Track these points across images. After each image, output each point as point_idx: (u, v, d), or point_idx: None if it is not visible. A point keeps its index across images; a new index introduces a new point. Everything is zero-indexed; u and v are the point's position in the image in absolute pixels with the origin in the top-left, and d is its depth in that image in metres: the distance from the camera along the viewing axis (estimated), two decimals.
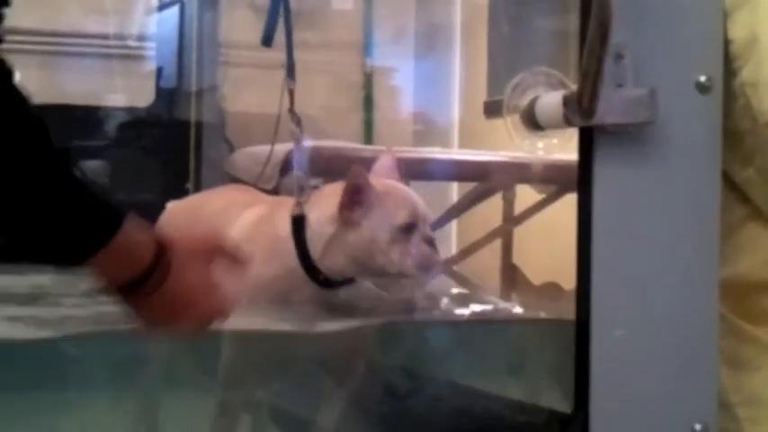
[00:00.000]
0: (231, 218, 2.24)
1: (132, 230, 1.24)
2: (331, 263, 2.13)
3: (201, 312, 1.34)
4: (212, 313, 1.36)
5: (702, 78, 1.73)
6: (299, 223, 2.15)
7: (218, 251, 1.38)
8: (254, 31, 3.77)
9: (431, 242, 2.14)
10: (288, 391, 2.30)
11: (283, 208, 2.20)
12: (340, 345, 2.20)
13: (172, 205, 2.52)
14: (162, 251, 1.27)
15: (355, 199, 2.11)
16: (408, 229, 2.13)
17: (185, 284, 1.30)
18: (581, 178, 1.73)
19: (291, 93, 2.50)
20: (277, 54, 3.65)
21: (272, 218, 2.20)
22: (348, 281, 2.19)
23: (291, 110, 2.45)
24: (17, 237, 1.17)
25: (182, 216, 2.44)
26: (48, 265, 1.21)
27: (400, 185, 2.30)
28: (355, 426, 2.18)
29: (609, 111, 1.66)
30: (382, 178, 2.27)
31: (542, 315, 2.33)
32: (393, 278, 2.17)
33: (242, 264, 1.50)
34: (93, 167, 3.57)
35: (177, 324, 1.33)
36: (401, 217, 2.13)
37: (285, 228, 2.15)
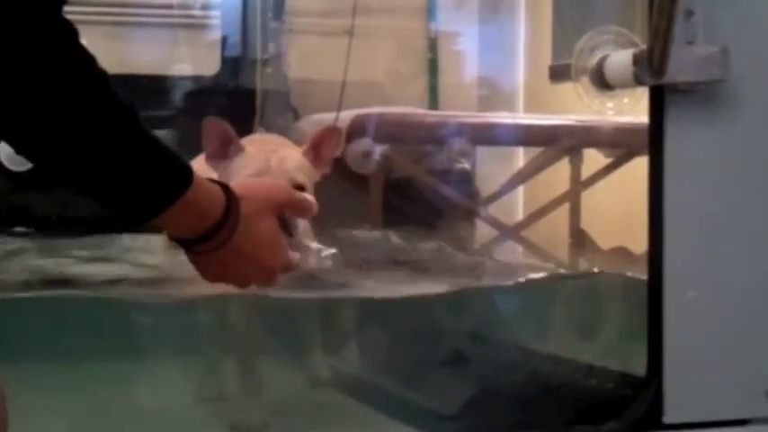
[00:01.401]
0: None
1: (203, 183, 1.24)
2: None
3: (268, 267, 1.34)
4: (277, 268, 1.35)
5: None
6: None
7: (285, 204, 1.38)
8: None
9: None
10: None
11: None
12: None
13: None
14: (231, 205, 1.27)
15: (221, 152, 2.22)
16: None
17: (253, 239, 1.30)
18: (652, 138, 1.72)
19: None
20: (341, 21, 3.65)
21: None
22: None
23: None
24: (94, 191, 1.17)
25: None
26: (125, 220, 1.20)
27: (272, 142, 2.45)
28: (425, 391, 2.18)
29: (680, 69, 1.64)
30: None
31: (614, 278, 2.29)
32: None
33: (308, 215, 1.53)
34: (160, 137, 3.58)
35: (243, 279, 1.34)
36: (241, 174, 2.17)
37: None
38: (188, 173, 1.20)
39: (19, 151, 1.12)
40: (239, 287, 1.35)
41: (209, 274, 1.32)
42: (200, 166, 2.40)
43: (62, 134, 1.10)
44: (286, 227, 2.03)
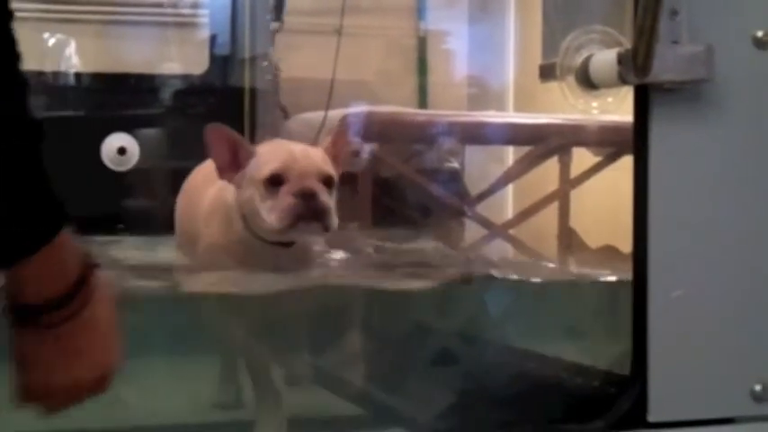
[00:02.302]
0: (205, 190, 2.27)
1: (69, 237, 1.08)
2: (252, 226, 2.11)
3: (100, 363, 1.14)
4: (108, 368, 1.16)
5: (760, 33, 1.71)
6: None
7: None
8: None
9: (305, 195, 2.04)
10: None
11: None
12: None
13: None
14: (86, 277, 1.11)
15: (233, 162, 2.10)
16: (275, 182, 2.06)
17: (95, 326, 1.12)
18: (637, 137, 1.72)
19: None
20: (330, 20, 3.65)
21: (224, 191, 2.19)
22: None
23: None
24: None
25: (186, 181, 2.47)
26: None
27: (287, 142, 2.30)
28: (413, 390, 2.18)
29: (664, 68, 1.65)
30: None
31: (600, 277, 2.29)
32: (277, 235, 2.09)
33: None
34: (148, 135, 3.59)
35: (71, 372, 1.11)
36: (266, 171, 2.06)
37: (232, 197, 2.15)
38: (60, 221, 1.08)
39: None
40: (70, 387, 1.13)
41: (40, 360, 1.09)
42: (210, 171, 2.28)
43: None
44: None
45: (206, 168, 2.33)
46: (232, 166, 2.11)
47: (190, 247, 2.31)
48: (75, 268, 1.10)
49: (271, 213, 2.05)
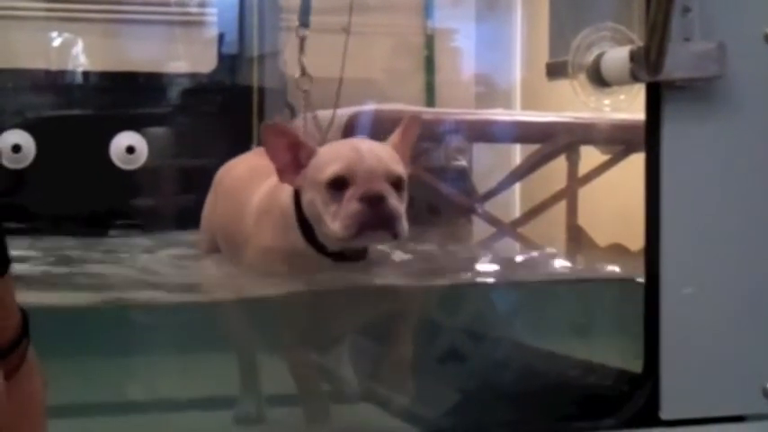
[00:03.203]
0: (253, 187, 2.13)
1: (12, 289, 1.03)
2: (317, 233, 1.94)
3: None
4: None
5: None
6: (298, 194, 1.97)
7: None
8: None
9: (373, 199, 1.84)
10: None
11: None
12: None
13: (220, 170, 2.43)
14: (23, 339, 1.05)
15: (294, 162, 1.93)
16: (338, 185, 1.87)
17: (30, 397, 1.07)
18: (649, 134, 1.72)
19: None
20: (337, 18, 3.65)
21: (279, 191, 2.02)
22: (358, 252, 1.99)
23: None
24: None
25: (220, 178, 2.37)
26: None
27: (352, 139, 2.10)
28: (422, 387, 2.17)
29: (677, 65, 1.64)
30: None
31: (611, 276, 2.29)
32: (342, 244, 1.91)
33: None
34: (156, 134, 3.59)
35: None
36: (328, 173, 1.87)
37: (288, 199, 1.98)
38: (4, 263, 1.01)
39: None
40: None
41: None
42: (255, 161, 2.17)
43: None
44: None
45: (251, 162, 2.22)
46: (292, 168, 1.93)
47: (230, 248, 2.18)
48: (11, 327, 1.04)
49: (334, 220, 1.86)
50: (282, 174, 1.95)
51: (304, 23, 3.02)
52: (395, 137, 2.00)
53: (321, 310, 2.05)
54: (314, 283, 1.99)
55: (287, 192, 1.98)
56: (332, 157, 1.91)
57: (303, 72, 2.90)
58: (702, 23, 1.67)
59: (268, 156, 1.95)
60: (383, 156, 1.91)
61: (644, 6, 1.66)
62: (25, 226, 3.26)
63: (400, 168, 1.92)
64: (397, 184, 1.89)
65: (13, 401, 1.01)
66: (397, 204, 1.87)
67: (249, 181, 2.16)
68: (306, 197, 1.92)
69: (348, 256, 1.97)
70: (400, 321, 2.03)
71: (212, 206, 2.34)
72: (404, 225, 1.87)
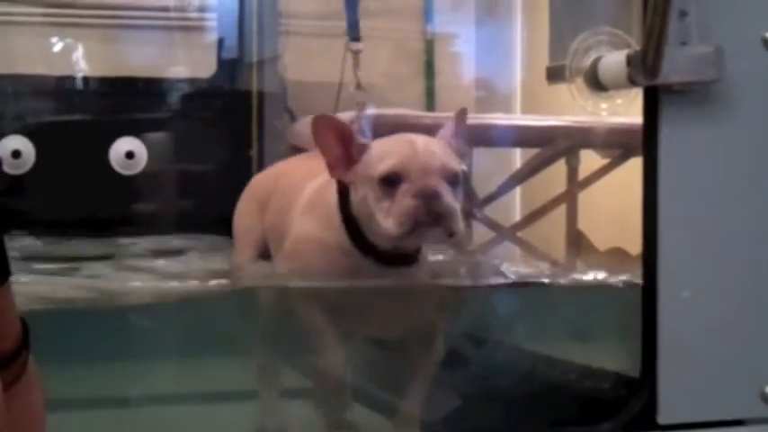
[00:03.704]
0: (302, 189, 2.08)
1: (12, 299, 1.03)
2: (366, 232, 1.87)
3: None
4: None
5: None
6: (343, 193, 1.91)
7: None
8: (314, 0, 3.77)
9: (427, 196, 1.78)
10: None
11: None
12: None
13: (255, 178, 2.41)
14: (23, 349, 1.06)
15: (346, 156, 1.86)
16: (392, 181, 1.80)
17: (25, 405, 1.07)
18: (646, 138, 1.72)
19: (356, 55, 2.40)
20: (337, 23, 3.65)
21: (326, 188, 1.97)
22: (406, 257, 1.92)
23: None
24: None
25: (262, 187, 2.32)
26: None
27: (407, 134, 1.98)
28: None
29: (674, 69, 1.64)
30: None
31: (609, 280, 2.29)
32: (394, 242, 1.83)
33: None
34: (156, 139, 3.59)
35: None
36: (381, 169, 1.81)
37: (334, 197, 1.93)
38: (4, 272, 1.02)
39: None
40: None
41: None
42: (299, 166, 2.13)
43: None
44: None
45: (306, 164, 2.16)
46: (344, 162, 1.86)
47: (276, 248, 2.12)
48: (11, 336, 1.05)
49: (387, 217, 1.79)
50: (333, 168, 1.88)
51: (354, 38, 2.98)
52: (446, 131, 1.94)
53: (355, 311, 2.00)
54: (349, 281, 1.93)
55: (333, 189, 1.93)
56: (385, 153, 1.83)
57: (358, 85, 2.85)
58: (700, 27, 1.67)
59: (319, 149, 1.89)
60: (438, 151, 1.84)
61: (642, 10, 1.66)
62: (26, 231, 3.26)
63: (455, 164, 1.86)
64: (452, 180, 1.83)
65: (12, 412, 1.01)
66: (453, 201, 1.81)
67: (303, 180, 2.10)
68: (357, 194, 1.86)
69: (395, 259, 1.90)
70: (435, 326, 2.00)
71: (253, 210, 2.28)
72: (460, 223, 1.81)
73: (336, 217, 1.90)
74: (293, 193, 2.09)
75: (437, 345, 1.99)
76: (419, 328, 2.01)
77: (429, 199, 1.77)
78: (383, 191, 1.80)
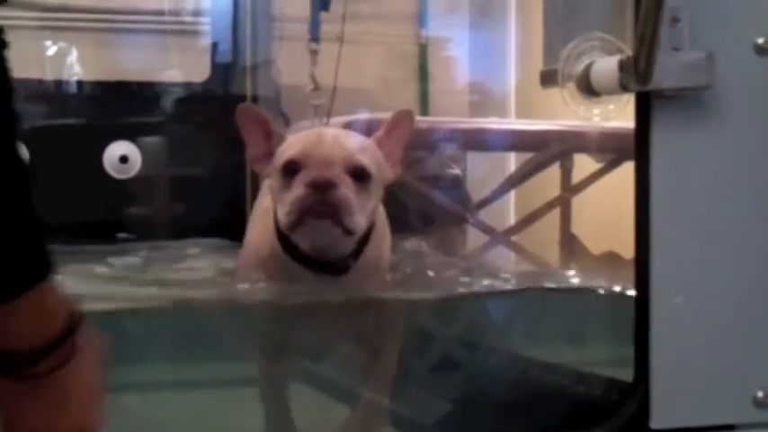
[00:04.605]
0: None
1: (56, 289, 1.06)
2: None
3: (76, 425, 1.10)
4: (82, 425, 1.11)
5: (761, 40, 1.70)
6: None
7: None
8: (308, 5, 3.78)
9: (320, 185, 1.67)
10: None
11: None
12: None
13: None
14: (74, 327, 1.08)
15: (266, 148, 1.79)
16: (291, 171, 1.71)
17: (80, 380, 1.09)
18: (638, 144, 1.72)
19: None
20: (331, 27, 3.65)
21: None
22: (331, 264, 1.78)
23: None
24: None
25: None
26: None
27: (325, 128, 1.90)
28: (414, 396, 2.18)
29: (665, 75, 1.64)
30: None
31: (602, 284, 2.29)
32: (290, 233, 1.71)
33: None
34: (150, 143, 3.59)
35: (48, 428, 1.08)
36: (283, 158, 1.72)
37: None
38: (47, 267, 1.04)
39: None
40: None
41: (15, 415, 1.06)
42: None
43: None
44: None
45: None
46: (265, 155, 1.79)
47: None
48: (61, 319, 1.07)
49: (281, 208, 1.69)
50: (255, 161, 1.82)
51: (314, 38, 2.99)
52: (380, 131, 1.84)
53: (290, 324, 1.91)
54: (283, 293, 1.84)
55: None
56: (292, 143, 1.76)
57: (315, 87, 2.82)
58: (691, 33, 1.67)
59: (244, 140, 1.82)
60: (348, 144, 1.74)
61: (634, 16, 1.66)
62: None
63: (365, 159, 1.73)
64: (358, 174, 1.72)
65: (47, 400, 1.05)
66: (350, 194, 1.69)
67: None
68: (272, 188, 1.76)
69: (323, 266, 1.79)
70: (384, 337, 1.91)
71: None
72: (356, 220, 1.68)
73: (271, 221, 1.80)
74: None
75: (385, 359, 1.90)
76: (363, 342, 1.92)
77: (321, 189, 1.66)
78: (284, 181, 1.72)
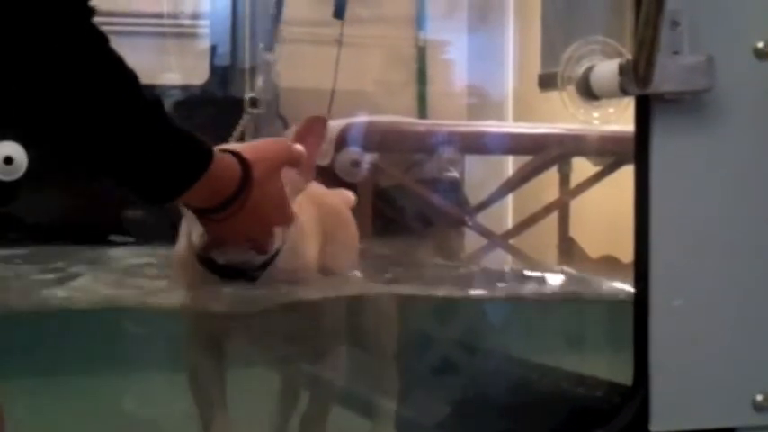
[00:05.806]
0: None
1: (221, 159, 1.36)
2: None
3: (273, 223, 1.50)
4: (281, 224, 1.52)
5: (760, 44, 1.71)
6: None
7: (288, 160, 1.51)
8: (307, 7, 3.78)
9: None
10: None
11: None
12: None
13: None
14: (246, 173, 1.39)
15: None
16: None
17: (264, 202, 1.43)
18: (638, 148, 1.72)
19: None
20: (330, 30, 3.66)
21: None
22: (234, 268, 1.69)
23: None
24: (127, 177, 1.32)
25: None
26: (153, 201, 1.33)
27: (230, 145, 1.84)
28: (413, 400, 2.18)
29: (665, 79, 1.65)
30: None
31: (601, 287, 2.30)
32: None
33: (306, 171, 1.60)
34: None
35: (252, 237, 1.49)
36: None
37: None
38: (208, 154, 1.34)
39: (55, 146, 1.29)
40: (250, 245, 1.49)
41: (225, 237, 1.47)
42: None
43: (98, 129, 1.25)
44: None
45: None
46: None
47: None
48: (232, 180, 1.38)
49: (195, 228, 1.60)
50: None
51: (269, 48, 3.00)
52: (290, 139, 1.67)
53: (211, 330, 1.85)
54: (192, 299, 1.82)
55: None
56: None
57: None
58: (691, 37, 1.67)
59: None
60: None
61: (634, 20, 1.66)
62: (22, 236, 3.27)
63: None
64: None
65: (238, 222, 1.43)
66: None
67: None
68: None
69: (228, 271, 1.70)
70: (326, 338, 1.88)
71: None
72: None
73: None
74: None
75: (332, 360, 1.90)
76: (301, 344, 1.88)
77: None
78: None
